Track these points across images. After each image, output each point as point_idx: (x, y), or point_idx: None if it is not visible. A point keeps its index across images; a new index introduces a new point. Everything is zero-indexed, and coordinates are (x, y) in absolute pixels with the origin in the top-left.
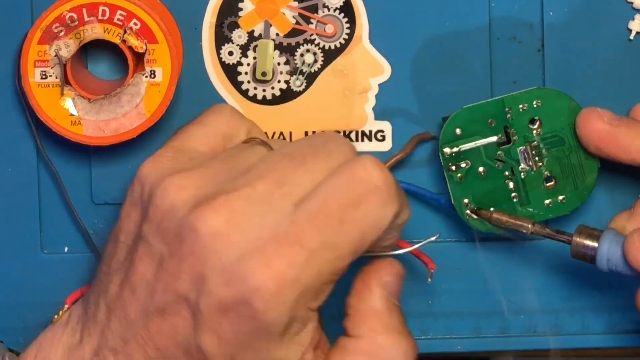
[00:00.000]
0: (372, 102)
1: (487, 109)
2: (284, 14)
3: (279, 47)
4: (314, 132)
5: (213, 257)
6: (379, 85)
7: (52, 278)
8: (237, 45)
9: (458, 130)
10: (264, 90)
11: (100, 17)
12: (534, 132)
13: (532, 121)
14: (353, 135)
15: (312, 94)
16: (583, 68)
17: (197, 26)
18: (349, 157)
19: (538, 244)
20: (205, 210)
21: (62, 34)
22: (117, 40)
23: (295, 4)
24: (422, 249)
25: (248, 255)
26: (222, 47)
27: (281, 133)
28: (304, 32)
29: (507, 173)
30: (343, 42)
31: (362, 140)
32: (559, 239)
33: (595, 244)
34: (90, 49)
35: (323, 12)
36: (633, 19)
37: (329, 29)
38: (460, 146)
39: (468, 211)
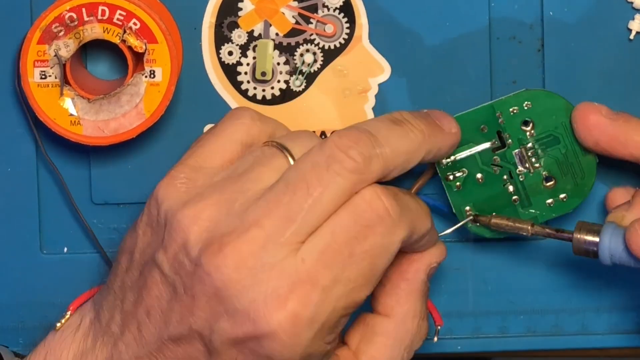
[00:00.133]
0: (371, 102)
1: (478, 115)
2: (283, 13)
3: (278, 47)
4: (320, 136)
5: (225, 300)
6: (379, 85)
7: (52, 278)
8: (237, 45)
9: None
10: (263, 90)
11: (99, 17)
12: (528, 133)
13: (525, 123)
14: None
15: (311, 94)
16: (583, 68)
17: (196, 26)
18: (354, 181)
19: (538, 243)
20: (216, 255)
21: (61, 33)
22: (116, 40)
23: (295, 3)
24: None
25: (262, 299)
26: (222, 47)
27: None
28: (303, 32)
29: (505, 177)
30: (343, 42)
31: None
32: (560, 238)
33: (597, 239)
34: (90, 49)
35: (323, 12)
36: (633, 19)
37: (329, 28)
38: (455, 155)
39: (468, 219)
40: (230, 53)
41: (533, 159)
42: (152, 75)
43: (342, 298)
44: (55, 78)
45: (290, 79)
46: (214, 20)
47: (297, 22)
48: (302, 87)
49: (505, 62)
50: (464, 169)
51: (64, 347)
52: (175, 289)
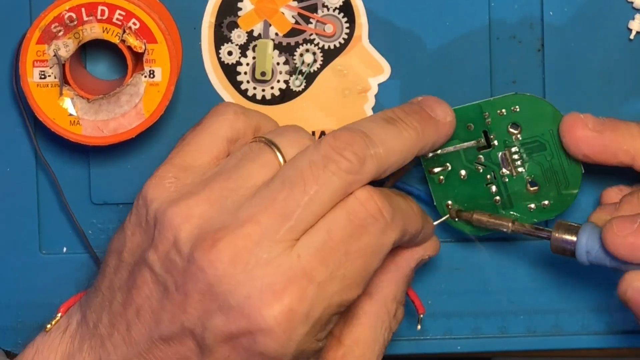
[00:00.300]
0: (371, 102)
1: (465, 113)
2: (283, 13)
3: (278, 46)
4: (320, 135)
5: (219, 296)
6: (379, 85)
7: (51, 278)
8: (237, 45)
9: None
10: (263, 90)
11: (99, 17)
12: (514, 137)
13: (514, 126)
14: None
15: (311, 94)
16: (583, 68)
17: (196, 26)
18: (349, 181)
19: (538, 243)
20: (210, 250)
21: (61, 33)
22: (116, 40)
23: (295, 3)
24: (416, 293)
25: (257, 294)
26: (222, 46)
27: None
28: (303, 31)
29: (488, 177)
30: (342, 41)
31: None
32: (538, 236)
33: (574, 238)
34: (89, 49)
35: (322, 11)
36: (633, 19)
37: (329, 28)
38: (440, 150)
39: (449, 214)
40: (229, 53)
41: (518, 163)
42: (151, 75)
43: (337, 295)
44: (55, 78)
45: (290, 79)
46: (213, 20)
47: (296, 22)
48: (302, 87)
49: (505, 61)
50: (447, 163)
51: (52, 348)
52: (167, 288)
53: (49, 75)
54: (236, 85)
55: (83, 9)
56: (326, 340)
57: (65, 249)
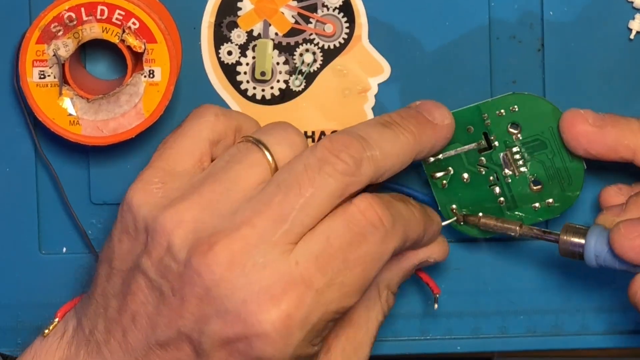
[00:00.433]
0: (371, 102)
1: (464, 116)
2: (283, 13)
3: (278, 46)
4: (319, 136)
5: (216, 300)
6: (379, 85)
7: (50, 278)
8: (236, 44)
9: None
10: (263, 90)
11: (98, 17)
12: (514, 137)
13: (514, 126)
14: None
15: (311, 94)
16: (583, 67)
17: (196, 26)
18: (345, 182)
19: (538, 244)
20: (206, 254)
21: (60, 33)
22: (115, 40)
23: (295, 3)
24: (429, 275)
25: (254, 298)
26: (221, 46)
27: None
28: (303, 31)
29: (491, 178)
30: (342, 41)
31: None
32: (547, 239)
33: (582, 240)
34: (89, 49)
35: (322, 11)
36: (633, 19)
37: (328, 28)
38: (441, 154)
39: (456, 218)
40: (229, 53)
41: (520, 162)
42: (151, 75)
43: (334, 302)
44: (54, 78)
45: (289, 79)
46: (213, 19)
47: (296, 22)
48: (302, 87)
49: (505, 61)
50: (449, 167)
51: (50, 353)
52: (163, 293)
53: (49, 75)
54: (236, 85)
55: (82, 9)
56: (321, 346)
57: (65, 249)
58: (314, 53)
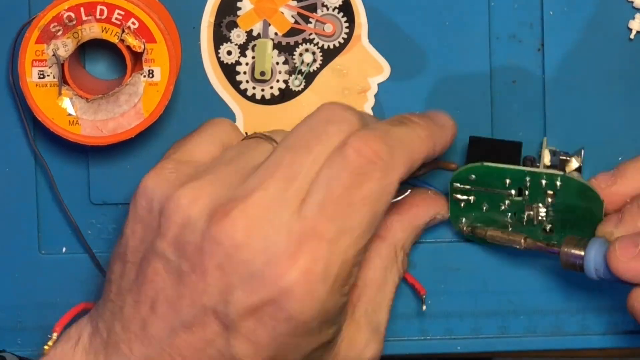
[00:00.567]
0: (371, 101)
1: (508, 173)
2: (282, 13)
3: (277, 46)
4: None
5: (239, 267)
6: (378, 84)
7: (50, 278)
8: (236, 44)
9: (473, 176)
10: (262, 90)
11: (98, 17)
12: (549, 198)
13: (551, 193)
14: None
15: (311, 94)
16: (583, 67)
17: (195, 25)
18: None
19: None
20: (224, 221)
21: (59, 33)
22: (115, 40)
23: (294, 3)
24: (414, 277)
25: (273, 260)
26: (221, 46)
27: None
28: (302, 31)
29: (509, 215)
30: (342, 41)
31: None
32: (549, 251)
33: (582, 253)
34: (88, 49)
35: (322, 11)
36: (633, 18)
37: (328, 28)
38: (471, 186)
39: (464, 230)
40: (229, 52)
41: (542, 215)
42: (150, 75)
43: (350, 248)
44: (54, 78)
45: (289, 79)
46: (212, 19)
47: (296, 22)
48: (302, 86)
49: (505, 61)
50: (474, 196)
51: None
52: (182, 273)
53: (48, 75)
54: (235, 85)
55: (82, 9)
56: (349, 296)
57: (64, 249)
58: (313, 53)
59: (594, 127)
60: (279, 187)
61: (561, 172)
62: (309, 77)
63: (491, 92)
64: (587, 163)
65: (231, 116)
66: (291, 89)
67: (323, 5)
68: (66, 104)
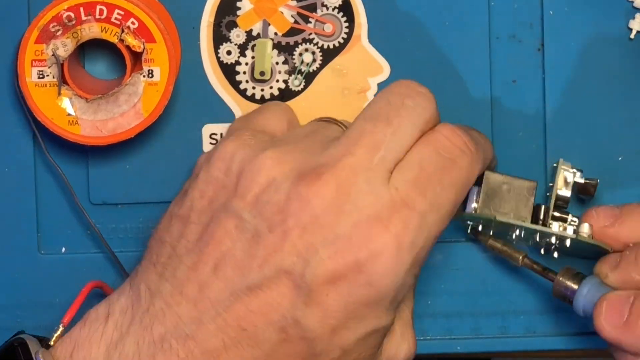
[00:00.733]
0: None
1: (518, 228)
2: (282, 13)
3: (277, 46)
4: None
5: (324, 228)
6: (378, 84)
7: (50, 278)
8: (236, 44)
9: (482, 222)
10: (262, 90)
11: (97, 16)
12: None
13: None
14: None
15: (310, 94)
16: (583, 67)
17: (195, 25)
18: (430, 112)
19: None
20: (314, 181)
21: (59, 33)
22: (114, 40)
23: (294, 3)
24: None
25: (363, 223)
26: (220, 46)
27: None
28: (302, 31)
29: (517, 232)
30: (342, 41)
31: None
32: (544, 276)
33: (575, 287)
34: (88, 49)
35: (322, 11)
36: (633, 18)
37: (328, 28)
38: (500, 219)
39: (467, 229)
40: (228, 52)
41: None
42: (150, 75)
43: (435, 225)
44: (53, 78)
45: (289, 79)
46: (212, 19)
47: (296, 22)
48: (301, 86)
49: (505, 61)
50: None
51: (93, 340)
52: (257, 233)
53: (48, 75)
54: (235, 85)
55: (81, 9)
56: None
57: (64, 249)
58: (313, 53)
59: (594, 127)
60: (365, 154)
61: (573, 235)
62: (309, 77)
63: (491, 92)
64: (587, 163)
65: (231, 116)
66: (291, 89)
67: (323, 5)
68: (66, 104)
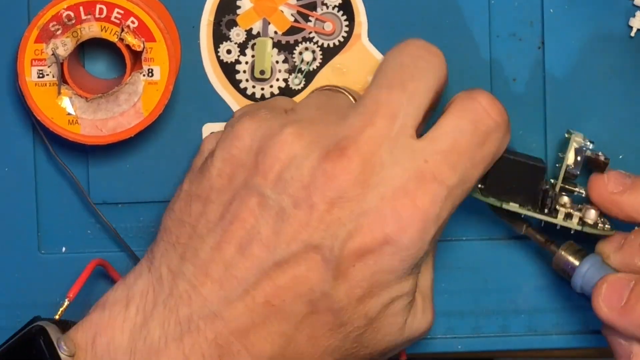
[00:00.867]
0: None
1: (526, 216)
2: (282, 11)
3: (277, 45)
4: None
5: (351, 202)
6: None
7: (50, 278)
8: (235, 43)
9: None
10: (262, 89)
11: (97, 16)
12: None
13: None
14: None
15: None
16: (583, 65)
17: (194, 24)
18: (443, 71)
19: None
20: (339, 158)
21: (59, 32)
22: (114, 39)
23: (294, 1)
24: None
25: (390, 195)
26: (220, 45)
27: None
28: (302, 30)
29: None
30: (342, 40)
31: None
32: (546, 248)
33: (576, 263)
34: (88, 48)
35: (322, 9)
36: (634, 16)
37: (328, 26)
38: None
39: (480, 191)
40: (228, 51)
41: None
42: (150, 74)
43: (458, 199)
44: (53, 77)
45: (289, 78)
46: (212, 18)
47: (296, 20)
48: (301, 85)
49: (505, 59)
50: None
51: (116, 325)
52: (281, 210)
53: (47, 74)
54: (235, 83)
55: (81, 8)
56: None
57: (64, 249)
58: (313, 51)
59: (594, 125)
60: (385, 124)
61: (578, 227)
62: (309, 76)
63: (491, 90)
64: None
65: (231, 115)
66: (291, 87)
67: (323, 3)
68: (65, 103)
